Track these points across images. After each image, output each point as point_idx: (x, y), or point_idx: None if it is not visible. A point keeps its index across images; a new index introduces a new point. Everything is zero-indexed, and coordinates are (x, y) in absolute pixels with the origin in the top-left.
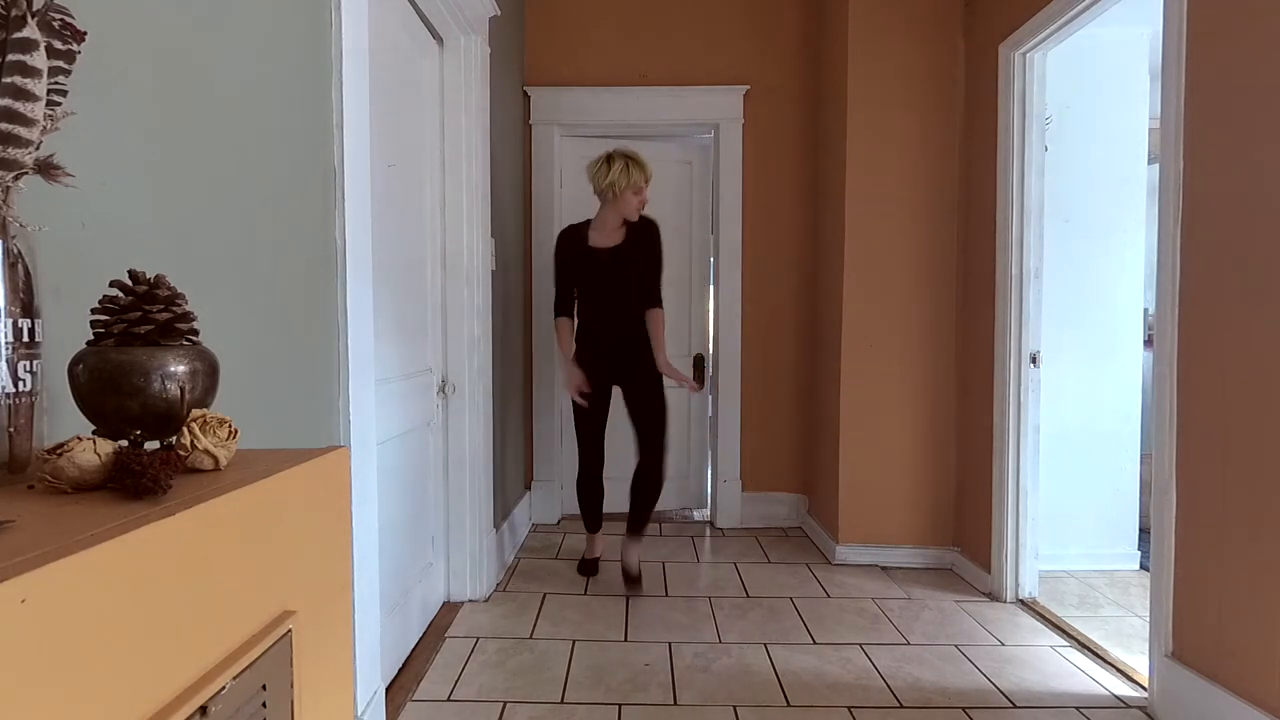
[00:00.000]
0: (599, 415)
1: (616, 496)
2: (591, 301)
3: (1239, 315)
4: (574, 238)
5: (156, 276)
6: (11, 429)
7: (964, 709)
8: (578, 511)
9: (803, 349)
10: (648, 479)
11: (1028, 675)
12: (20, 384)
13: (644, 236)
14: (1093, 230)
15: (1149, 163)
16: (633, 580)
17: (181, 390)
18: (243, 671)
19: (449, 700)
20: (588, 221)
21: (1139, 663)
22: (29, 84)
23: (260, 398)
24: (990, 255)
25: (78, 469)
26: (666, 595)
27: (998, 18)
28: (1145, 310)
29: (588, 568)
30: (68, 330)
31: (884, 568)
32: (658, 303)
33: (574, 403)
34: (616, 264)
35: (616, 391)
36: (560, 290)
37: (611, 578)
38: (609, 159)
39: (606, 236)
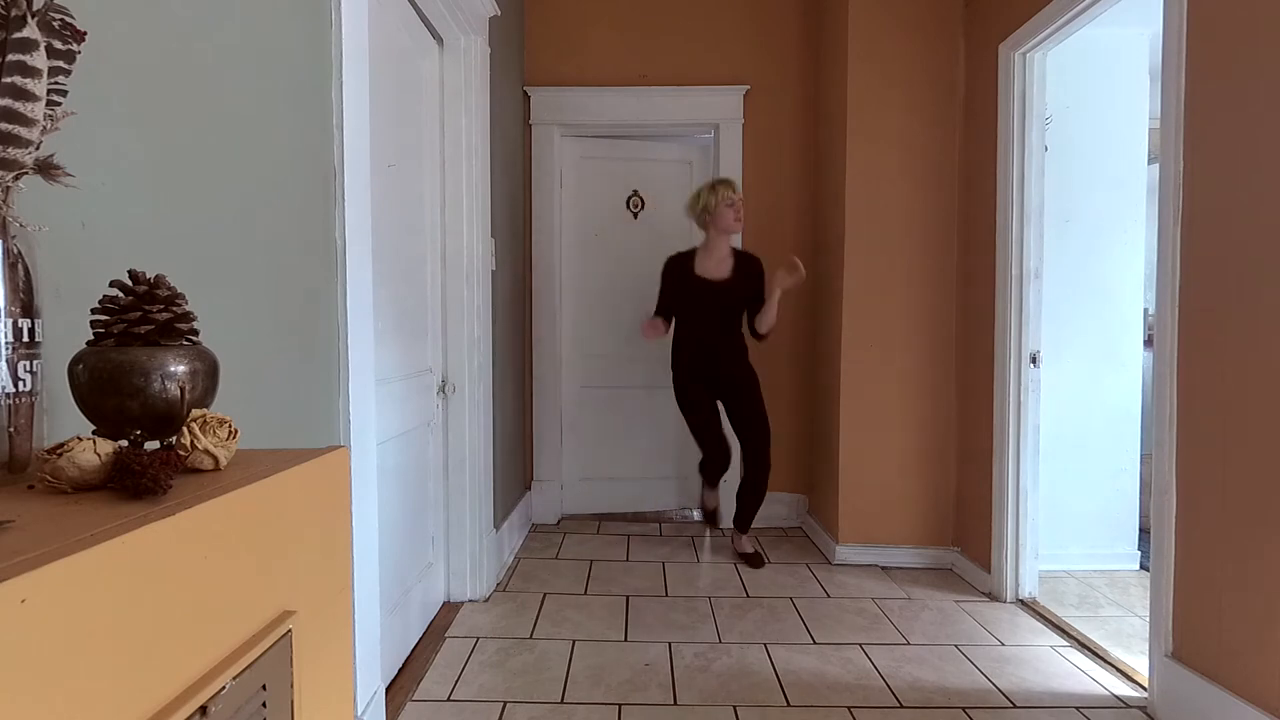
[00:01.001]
0: (710, 410)
1: (621, 497)
2: (693, 325)
3: (1239, 315)
4: (681, 265)
5: (156, 276)
6: (11, 429)
7: (964, 709)
8: (577, 512)
9: (803, 348)
10: (757, 493)
11: (1028, 675)
12: (20, 384)
13: (752, 270)
14: (1093, 230)
15: (1149, 163)
16: (749, 557)
17: (181, 390)
18: (243, 671)
19: (449, 700)
20: (693, 251)
21: (1139, 663)
22: (29, 84)
23: (260, 398)
24: (990, 255)
25: (78, 469)
26: (666, 595)
27: (997, 18)
28: (1145, 310)
29: (713, 519)
30: (68, 330)
31: (884, 568)
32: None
33: (683, 402)
34: (724, 294)
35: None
36: (662, 304)
37: (611, 576)
38: (699, 190)
39: (716, 267)
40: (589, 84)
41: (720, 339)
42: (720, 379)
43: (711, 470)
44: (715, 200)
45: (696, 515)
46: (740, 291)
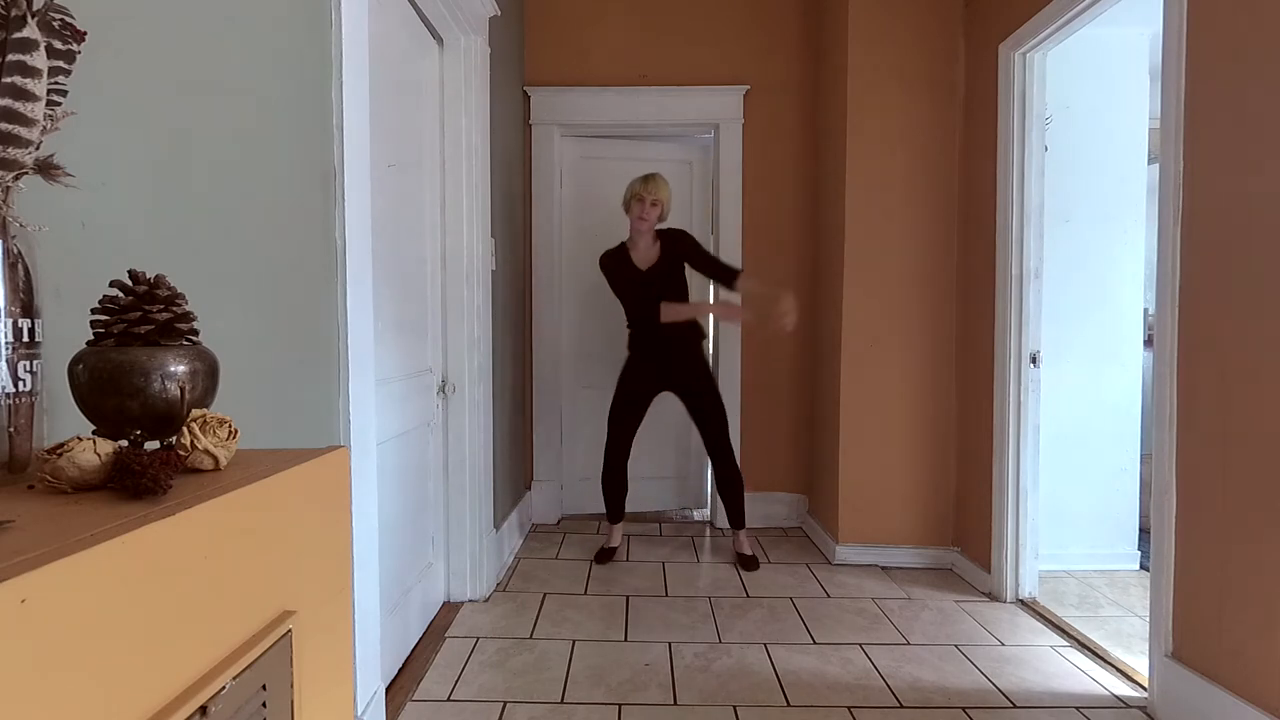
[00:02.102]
0: (637, 416)
1: (641, 496)
2: (637, 313)
3: (1239, 315)
4: (615, 259)
5: (156, 276)
6: (11, 429)
7: (964, 709)
8: (577, 512)
9: (803, 349)
10: (731, 485)
11: (1028, 675)
12: (20, 384)
13: (676, 245)
14: (1093, 230)
15: (1149, 163)
16: (745, 559)
17: (181, 390)
18: (243, 671)
19: (449, 700)
20: (622, 244)
21: (1139, 663)
22: (29, 84)
23: (260, 398)
24: (990, 255)
25: (78, 469)
26: (666, 595)
27: (998, 18)
28: (1145, 310)
29: (604, 556)
30: (68, 330)
31: (884, 568)
32: (735, 274)
33: (616, 398)
34: (655, 282)
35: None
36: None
37: (611, 576)
38: (633, 179)
39: (643, 256)
40: (589, 84)
41: (666, 328)
42: (672, 371)
43: (614, 479)
44: (631, 195)
45: (697, 515)
46: (673, 275)
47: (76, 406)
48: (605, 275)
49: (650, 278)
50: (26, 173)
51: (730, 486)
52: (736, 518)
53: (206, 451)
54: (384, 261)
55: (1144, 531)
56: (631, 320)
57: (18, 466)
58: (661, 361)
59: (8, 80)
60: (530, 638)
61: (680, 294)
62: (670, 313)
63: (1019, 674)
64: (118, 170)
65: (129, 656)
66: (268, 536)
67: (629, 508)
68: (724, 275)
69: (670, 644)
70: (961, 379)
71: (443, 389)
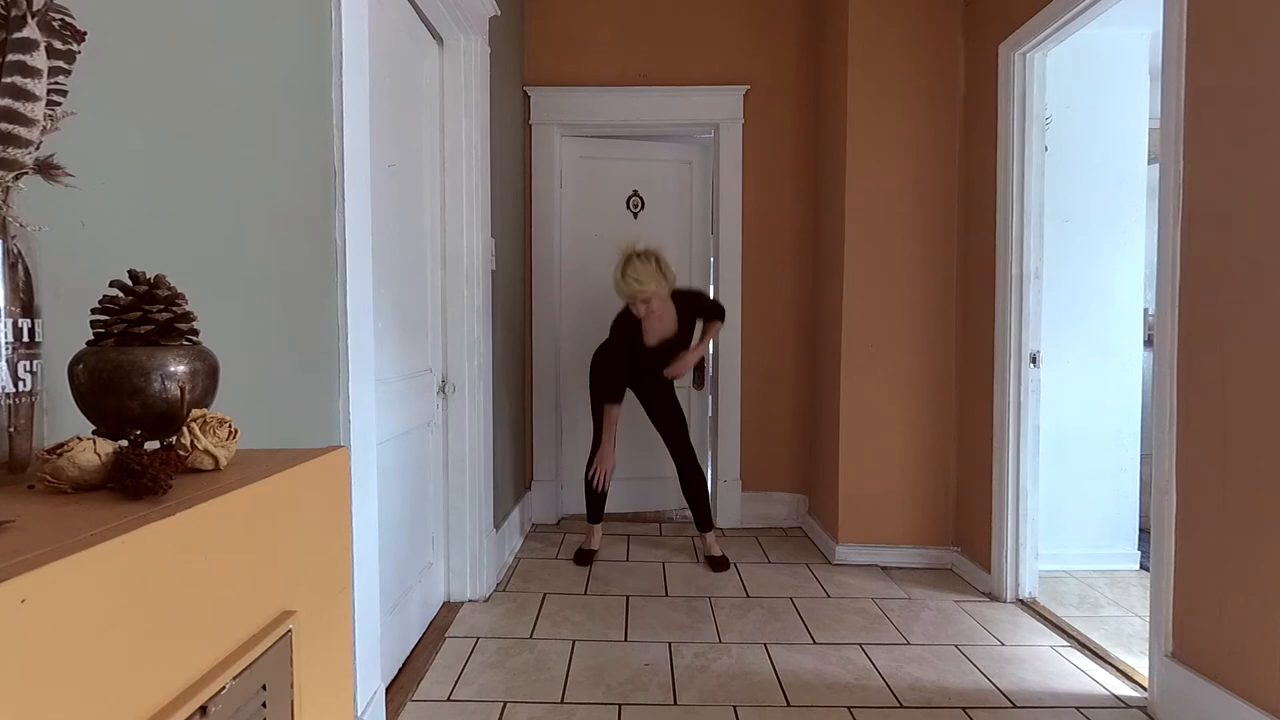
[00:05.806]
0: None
1: (621, 497)
2: (632, 367)
3: (1239, 315)
4: (629, 333)
5: (156, 276)
6: (11, 429)
7: (964, 709)
8: (577, 512)
9: (803, 348)
10: (692, 481)
11: (1028, 675)
12: (20, 384)
13: (695, 311)
14: (1093, 230)
15: (1149, 163)
16: (715, 560)
17: (181, 390)
18: (243, 671)
19: (449, 700)
20: (638, 321)
21: (1139, 663)
22: (29, 84)
23: (260, 398)
24: (990, 255)
25: (78, 469)
26: (666, 595)
27: (997, 18)
28: (1145, 310)
29: (583, 558)
30: (68, 330)
31: (884, 568)
32: (719, 316)
33: (604, 399)
34: (668, 348)
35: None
36: (617, 379)
37: (611, 576)
38: (619, 268)
39: (656, 331)
40: (589, 84)
41: (656, 366)
42: (643, 385)
43: (595, 480)
44: (626, 292)
45: None
46: (682, 336)
47: (76, 406)
48: (612, 333)
49: (658, 352)
50: (26, 173)
51: (693, 490)
52: (702, 519)
53: (206, 451)
54: (384, 261)
55: (1144, 531)
56: (626, 361)
57: (18, 466)
58: (637, 383)
59: (8, 80)
60: (530, 638)
61: (686, 343)
62: (678, 370)
63: (1019, 674)
64: (118, 170)
65: (129, 656)
66: (267, 536)
67: (630, 508)
68: (712, 315)
69: (670, 644)
70: (961, 379)
71: (443, 389)
